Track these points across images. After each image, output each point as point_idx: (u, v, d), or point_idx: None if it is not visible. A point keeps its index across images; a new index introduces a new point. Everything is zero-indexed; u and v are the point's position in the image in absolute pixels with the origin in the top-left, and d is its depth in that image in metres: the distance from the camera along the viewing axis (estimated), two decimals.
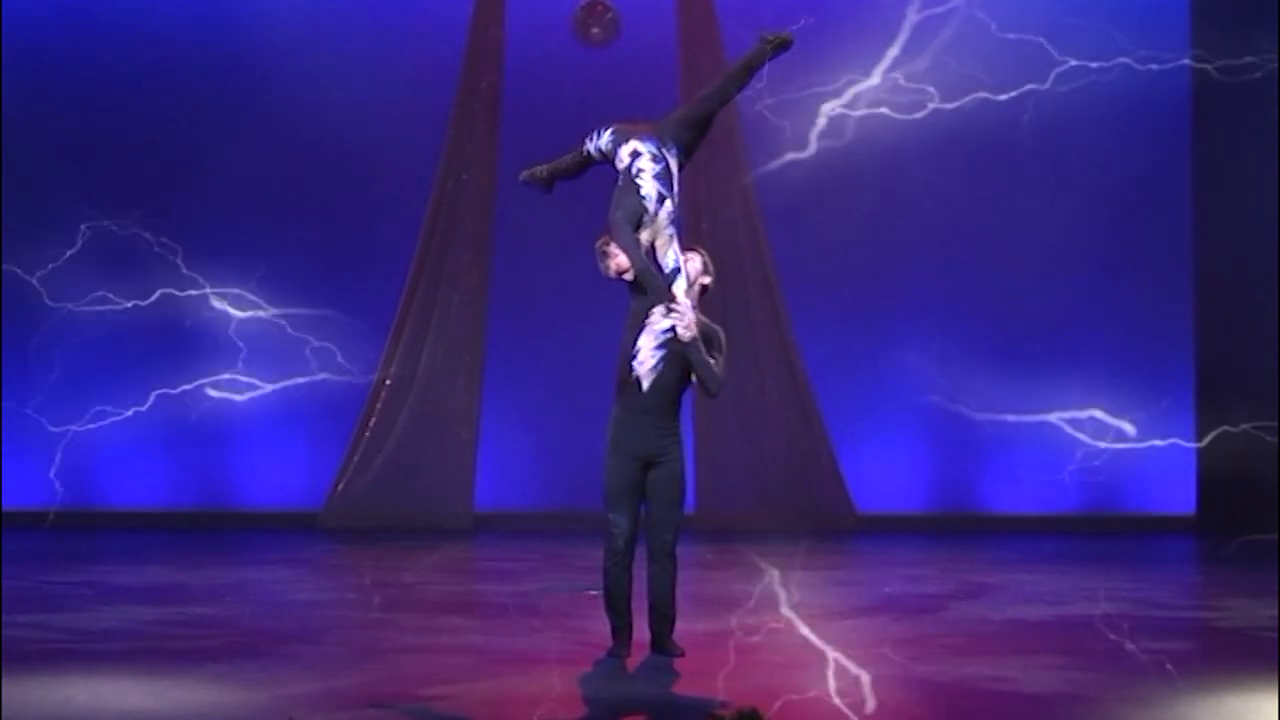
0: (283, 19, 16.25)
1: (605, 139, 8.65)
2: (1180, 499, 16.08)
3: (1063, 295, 16.37)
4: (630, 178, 8.43)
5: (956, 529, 15.88)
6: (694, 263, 8.65)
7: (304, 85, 16.19)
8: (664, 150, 8.51)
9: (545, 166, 8.96)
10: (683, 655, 8.67)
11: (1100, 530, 15.81)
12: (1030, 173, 16.40)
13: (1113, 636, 9.71)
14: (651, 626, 8.72)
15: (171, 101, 16.31)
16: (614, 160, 8.57)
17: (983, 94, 16.06)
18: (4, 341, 16.21)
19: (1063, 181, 16.43)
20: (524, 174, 9.04)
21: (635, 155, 8.48)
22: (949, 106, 16.14)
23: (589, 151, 8.76)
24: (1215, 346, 16.11)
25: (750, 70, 8.82)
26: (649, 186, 8.38)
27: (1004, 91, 16.11)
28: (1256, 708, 7.72)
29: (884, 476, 16.12)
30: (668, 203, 8.40)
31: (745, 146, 16.11)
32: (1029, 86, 15.96)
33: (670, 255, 8.37)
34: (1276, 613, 10.60)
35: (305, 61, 16.18)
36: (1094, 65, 15.90)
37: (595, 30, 15.10)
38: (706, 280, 8.73)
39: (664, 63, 15.98)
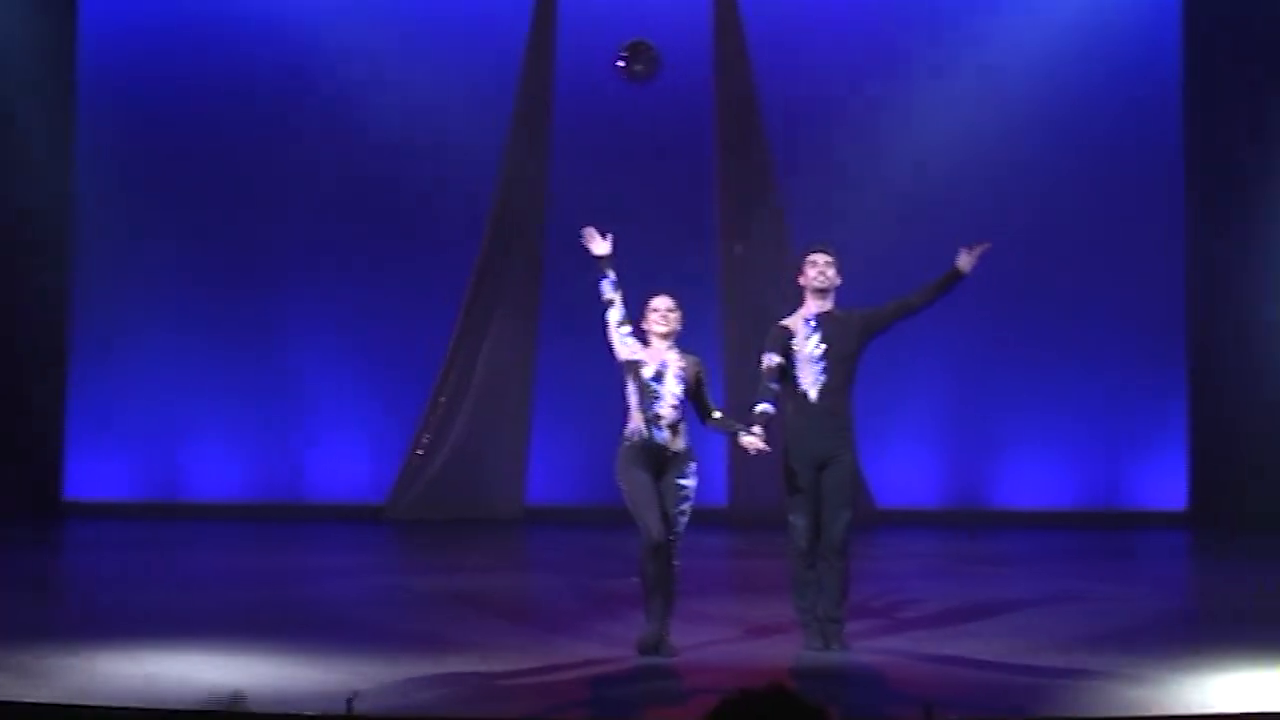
0: (339, 52, 16.34)
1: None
2: (1173, 495, 15.99)
3: (1067, 301, 16.23)
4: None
5: (968, 523, 15.83)
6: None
7: (358, 124, 16.21)
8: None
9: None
10: (676, 655, 8.57)
11: (1098, 525, 15.64)
12: (1031, 152, 16.20)
13: (1109, 622, 9.80)
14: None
15: (234, 130, 16.41)
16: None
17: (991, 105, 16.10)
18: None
19: (1066, 170, 16.17)
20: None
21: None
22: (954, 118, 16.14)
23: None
24: (1207, 344, 15.91)
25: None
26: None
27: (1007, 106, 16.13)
28: (1238, 685, 7.82)
29: (900, 473, 16.11)
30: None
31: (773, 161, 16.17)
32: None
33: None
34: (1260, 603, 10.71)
35: (363, 99, 16.24)
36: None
37: (638, 67, 15.31)
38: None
39: (702, 98, 16.14)
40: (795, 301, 9.10)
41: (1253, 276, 15.80)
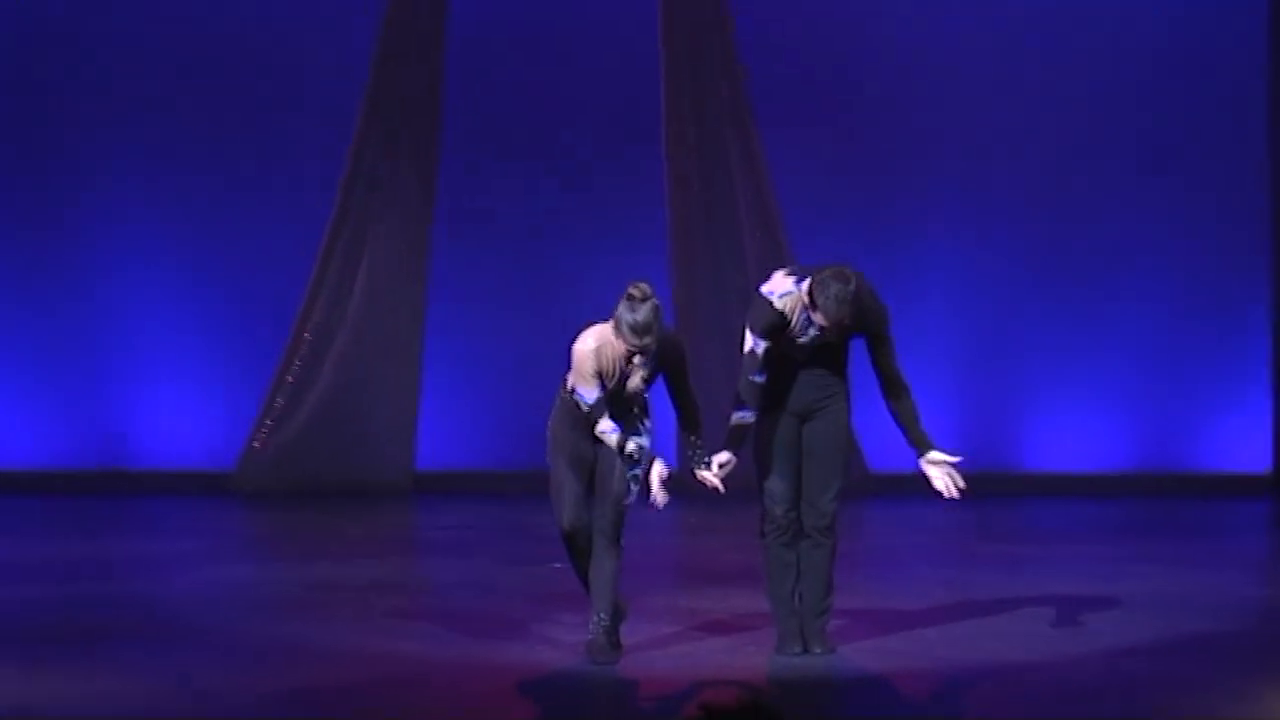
0: None
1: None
2: (1254, 456, 16.16)
3: (1119, 217, 16.38)
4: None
5: (989, 491, 15.88)
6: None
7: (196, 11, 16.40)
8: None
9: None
10: (618, 658, 8.59)
11: (1158, 492, 15.81)
12: (1079, 78, 16.40)
13: (1175, 616, 9.76)
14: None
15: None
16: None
17: None
18: None
19: (1122, 86, 16.42)
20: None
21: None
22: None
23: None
24: None
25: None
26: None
27: None
28: None
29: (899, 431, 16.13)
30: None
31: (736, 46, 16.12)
32: None
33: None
34: None
35: None
36: None
37: None
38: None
39: None
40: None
41: None
